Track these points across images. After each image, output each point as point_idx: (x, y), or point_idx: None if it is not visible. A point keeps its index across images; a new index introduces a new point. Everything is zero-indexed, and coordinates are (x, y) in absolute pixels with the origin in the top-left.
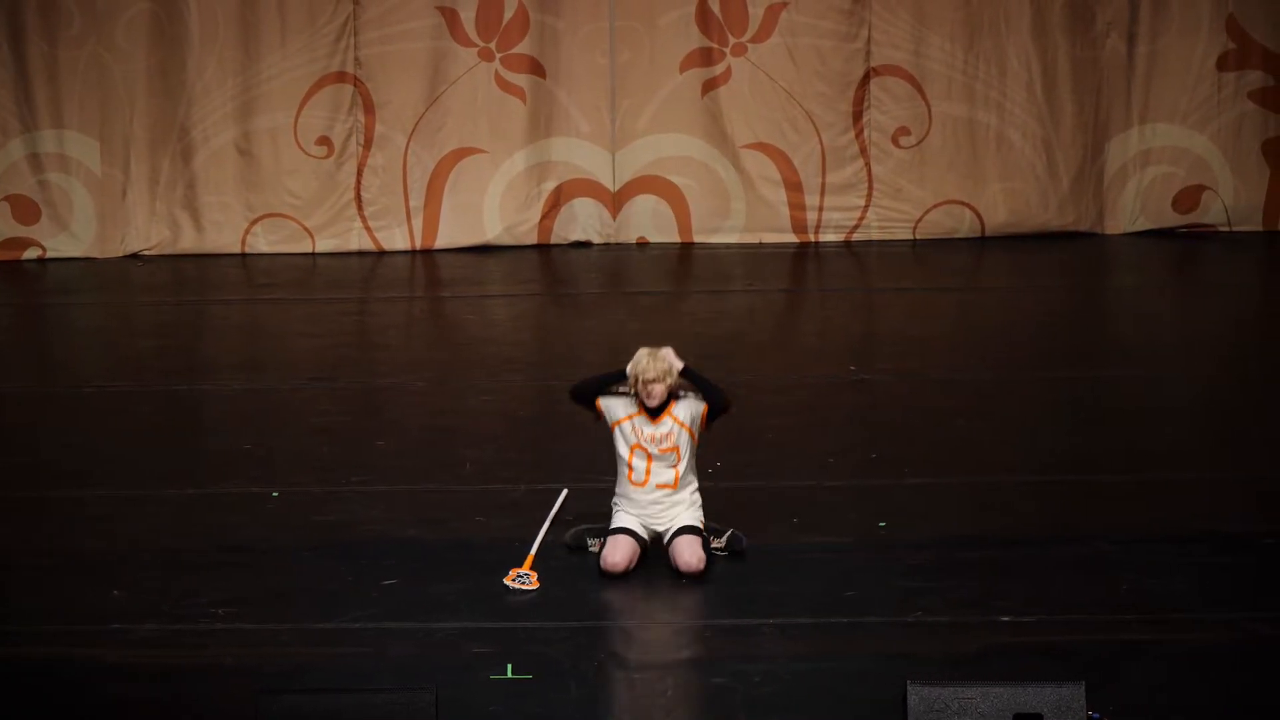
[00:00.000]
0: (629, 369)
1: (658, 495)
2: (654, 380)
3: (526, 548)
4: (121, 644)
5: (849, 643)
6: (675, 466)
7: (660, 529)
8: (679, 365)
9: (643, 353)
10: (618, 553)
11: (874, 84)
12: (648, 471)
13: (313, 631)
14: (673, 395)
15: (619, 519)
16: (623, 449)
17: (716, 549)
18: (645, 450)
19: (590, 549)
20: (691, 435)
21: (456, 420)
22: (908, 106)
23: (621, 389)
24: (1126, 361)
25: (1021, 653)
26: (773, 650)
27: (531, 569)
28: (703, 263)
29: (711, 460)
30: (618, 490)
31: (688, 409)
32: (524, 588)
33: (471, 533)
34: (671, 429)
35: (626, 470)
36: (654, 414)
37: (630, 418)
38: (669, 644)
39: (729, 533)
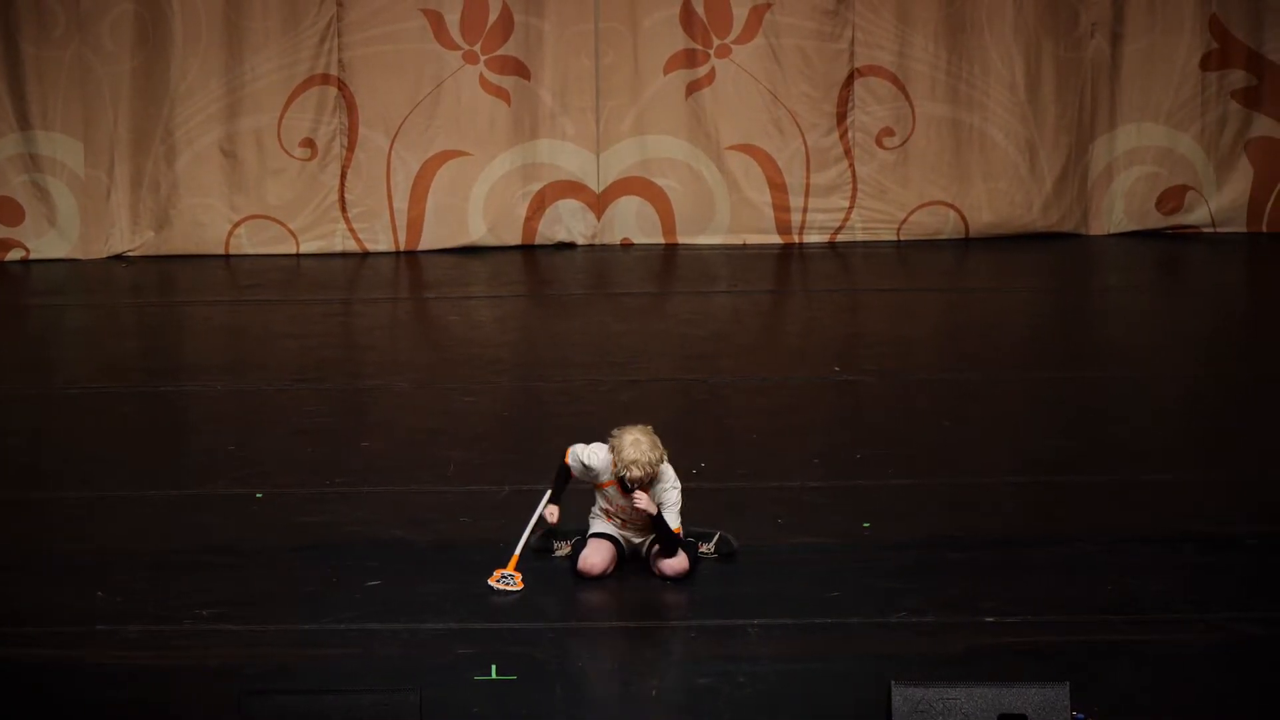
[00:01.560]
0: (613, 449)
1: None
2: (639, 480)
3: (511, 549)
4: (106, 645)
5: (833, 643)
6: (646, 527)
7: (638, 541)
8: (660, 452)
9: (628, 441)
10: (596, 554)
11: (858, 85)
12: (624, 526)
13: (297, 632)
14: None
15: (597, 525)
16: (599, 505)
17: (705, 553)
18: (620, 517)
19: (556, 552)
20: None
21: (441, 421)
22: (892, 107)
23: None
24: (1111, 362)
25: (1006, 653)
26: (757, 651)
27: (516, 570)
28: (687, 264)
29: (696, 461)
30: (596, 510)
31: (659, 489)
32: (508, 589)
33: (456, 534)
34: (645, 502)
35: (604, 516)
36: (627, 489)
37: (605, 485)
38: (653, 645)
39: (717, 535)
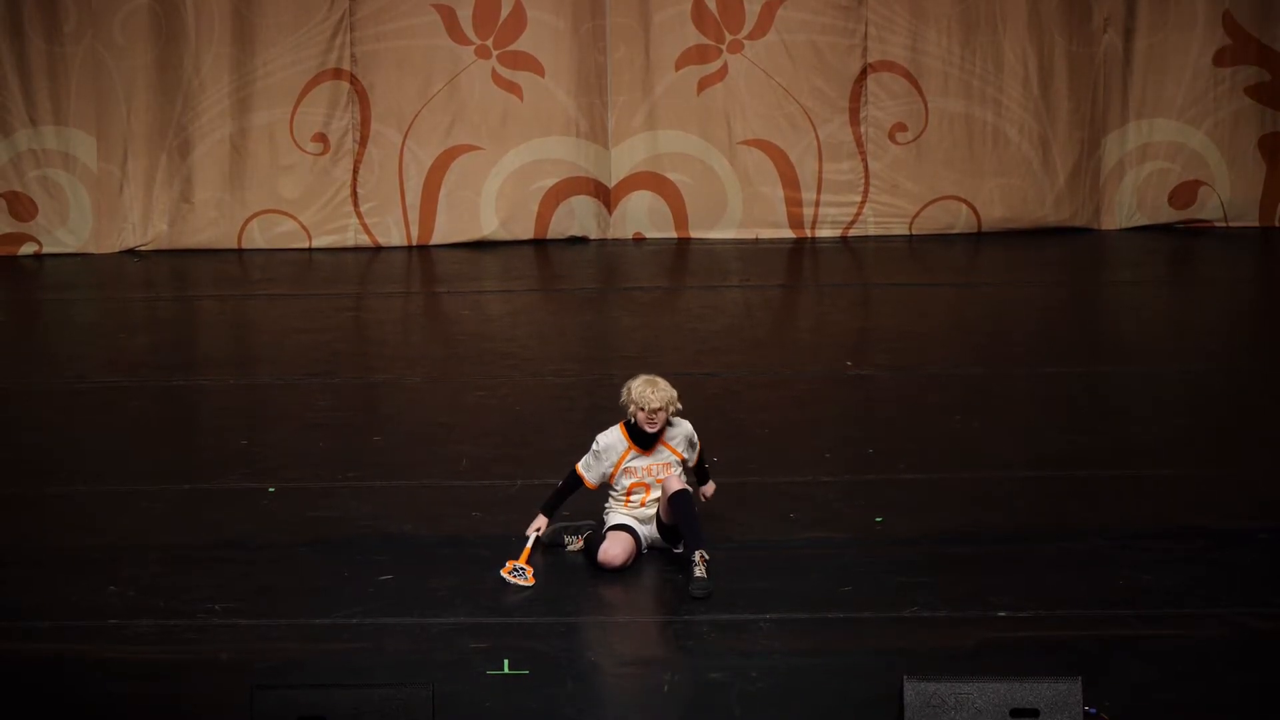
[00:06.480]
0: (628, 396)
1: (656, 507)
2: (659, 409)
3: (522, 541)
4: (118, 640)
5: (845, 638)
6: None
7: (654, 535)
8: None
9: (640, 381)
10: (616, 546)
11: (871, 80)
12: (644, 501)
13: (308, 627)
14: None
15: (615, 518)
16: (620, 485)
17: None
18: (645, 484)
19: (568, 547)
20: (682, 460)
21: (452, 416)
22: (904, 102)
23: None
24: (1122, 357)
25: (1017, 648)
26: (769, 645)
27: (528, 563)
28: (699, 258)
29: (709, 456)
30: (610, 503)
31: (681, 436)
32: (520, 582)
33: (468, 528)
34: (669, 459)
35: (624, 500)
36: (646, 445)
37: (625, 455)
38: (665, 639)
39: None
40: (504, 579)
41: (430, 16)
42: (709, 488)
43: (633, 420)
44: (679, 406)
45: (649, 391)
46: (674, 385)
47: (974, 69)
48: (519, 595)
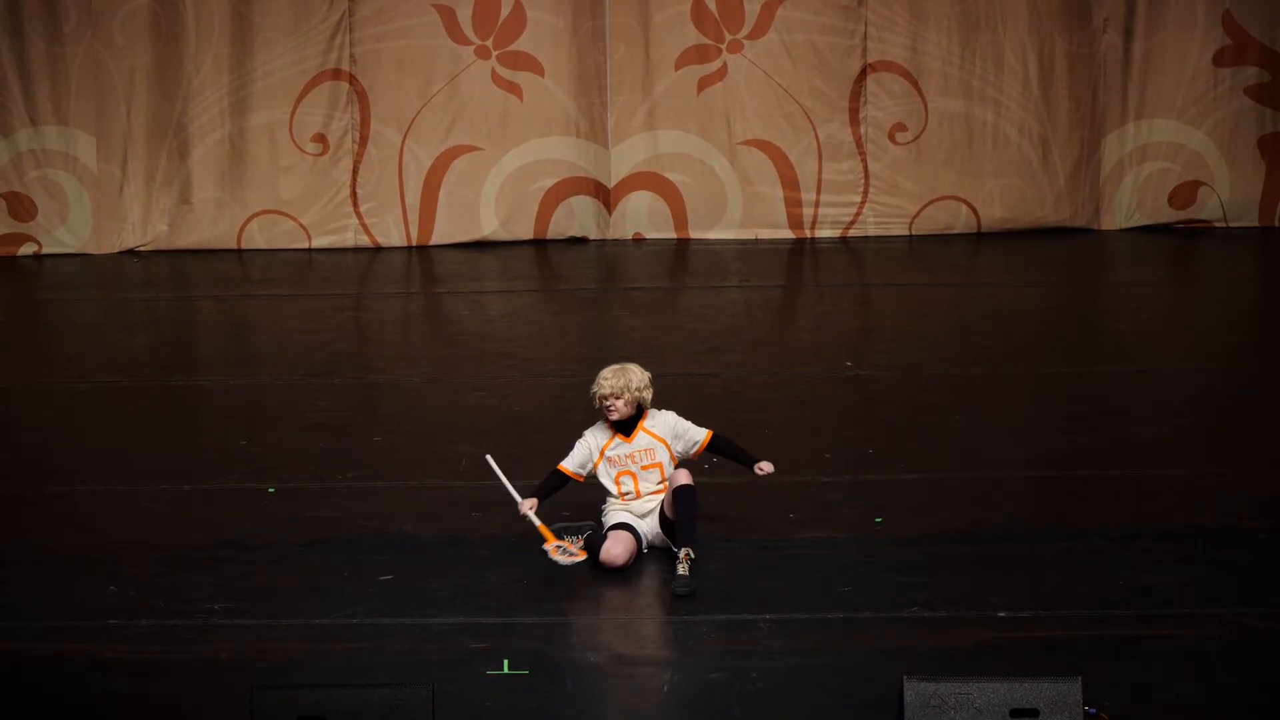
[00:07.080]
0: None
1: (652, 502)
2: (609, 395)
3: (530, 525)
4: (118, 640)
5: (845, 638)
6: (663, 481)
7: (654, 533)
8: (646, 379)
9: (607, 369)
10: (618, 545)
11: (871, 80)
12: (637, 491)
13: (308, 627)
14: (641, 409)
15: (615, 516)
16: (608, 478)
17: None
18: (630, 471)
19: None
20: (670, 452)
21: (452, 416)
22: (904, 102)
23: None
24: (1122, 357)
25: (1018, 648)
26: (769, 645)
27: (559, 539)
28: (699, 258)
29: (708, 456)
30: (608, 503)
31: (664, 424)
32: (571, 560)
33: (467, 529)
34: (651, 445)
35: (617, 492)
36: (626, 431)
37: (608, 444)
38: (665, 639)
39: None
40: (554, 560)
41: (430, 16)
42: (765, 464)
43: (597, 407)
44: (639, 394)
45: (603, 379)
46: (674, 386)
47: (974, 69)
48: (517, 595)
